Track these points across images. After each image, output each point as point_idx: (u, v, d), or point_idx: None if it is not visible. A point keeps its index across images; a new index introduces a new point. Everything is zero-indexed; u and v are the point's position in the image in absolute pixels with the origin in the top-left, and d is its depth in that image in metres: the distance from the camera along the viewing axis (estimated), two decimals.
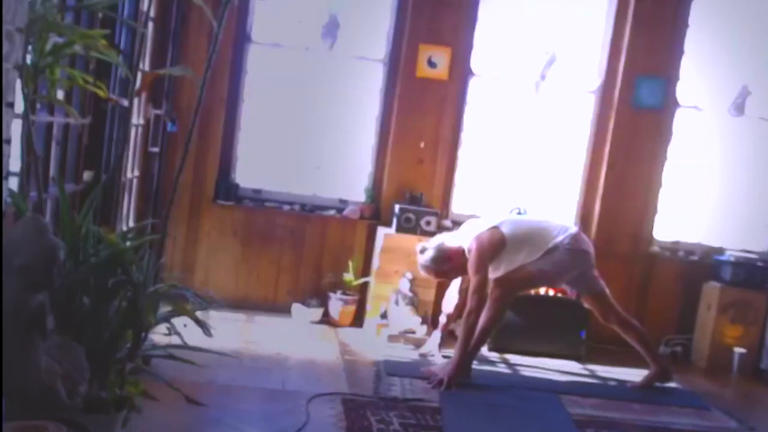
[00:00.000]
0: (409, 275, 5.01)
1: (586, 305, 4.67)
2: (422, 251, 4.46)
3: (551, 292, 5.12)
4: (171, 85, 4.99)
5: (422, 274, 4.59)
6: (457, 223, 5.56)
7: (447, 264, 4.43)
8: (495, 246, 4.34)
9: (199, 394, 3.19)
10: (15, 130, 2.50)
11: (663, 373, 4.64)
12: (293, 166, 5.54)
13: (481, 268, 4.31)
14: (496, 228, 4.38)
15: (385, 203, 5.45)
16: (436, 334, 4.78)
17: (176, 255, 5.27)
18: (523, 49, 5.60)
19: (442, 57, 5.37)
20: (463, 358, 4.27)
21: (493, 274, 4.40)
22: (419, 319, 4.97)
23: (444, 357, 4.61)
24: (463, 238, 4.44)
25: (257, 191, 5.52)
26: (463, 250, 4.40)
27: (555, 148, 5.73)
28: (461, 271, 4.48)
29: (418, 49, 5.36)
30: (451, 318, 4.73)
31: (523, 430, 3.77)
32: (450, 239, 4.50)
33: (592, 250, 4.52)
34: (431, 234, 5.13)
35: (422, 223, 5.15)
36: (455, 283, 4.71)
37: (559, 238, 4.41)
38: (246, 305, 5.31)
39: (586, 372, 4.87)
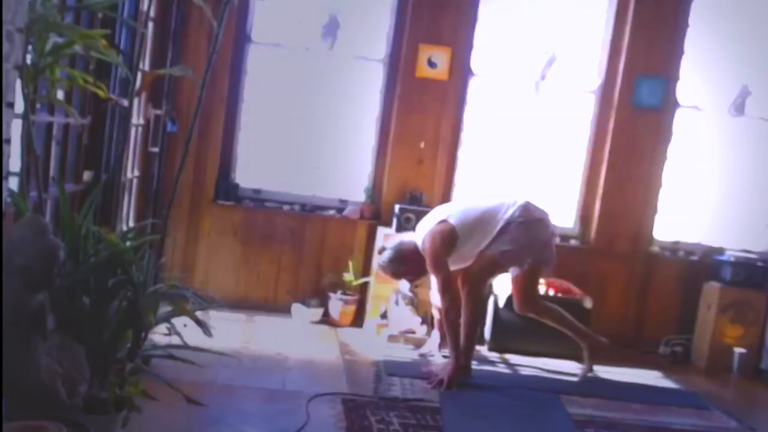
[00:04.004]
0: None
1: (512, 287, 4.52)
2: (380, 251, 4.45)
3: (551, 292, 5.11)
4: (171, 85, 4.99)
5: (381, 274, 4.57)
6: None
7: (404, 265, 4.39)
8: (446, 240, 4.27)
9: (199, 394, 3.19)
10: (15, 130, 2.50)
11: (595, 344, 4.57)
12: (293, 166, 5.54)
13: (441, 265, 4.26)
14: (444, 221, 4.32)
15: (385, 203, 5.45)
16: (436, 334, 4.78)
17: (176, 255, 5.27)
18: (523, 49, 5.60)
19: (442, 57, 5.37)
20: (459, 356, 4.27)
21: (456, 266, 4.36)
22: (419, 319, 4.97)
23: (444, 357, 4.61)
24: (418, 237, 4.40)
25: (257, 191, 5.52)
26: (418, 249, 4.35)
27: (555, 148, 5.73)
28: (419, 271, 4.43)
29: (418, 49, 5.36)
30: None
31: (523, 430, 3.77)
32: (409, 239, 4.45)
33: (546, 216, 4.43)
34: None
35: None
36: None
37: (509, 213, 4.32)
38: (246, 305, 5.31)
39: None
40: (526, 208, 4.35)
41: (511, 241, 4.28)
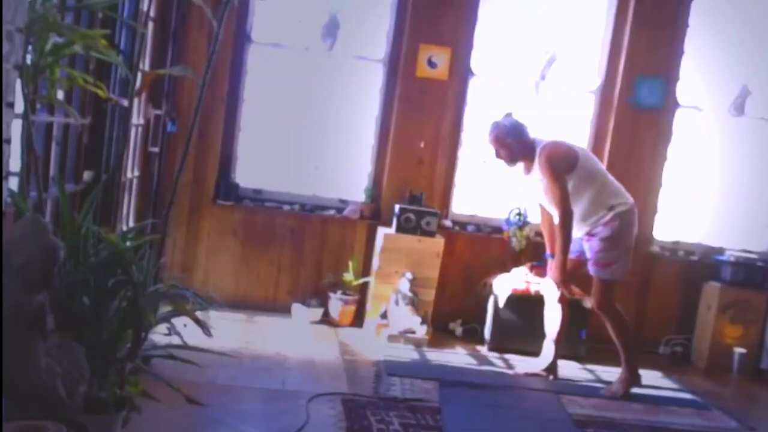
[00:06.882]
0: (409, 275, 5.01)
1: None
2: (507, 115, 4.42)
3: None
4: (171, 85, 4.99)
5: (488, 136, 4.45)
6: (457, 223, 5.59)
7: (515, 140, 4.36)
8: (567, 156, 4.31)
9: (199, 394, 3.18)
10: (15, 130, 2.50)
11: (634, 379, 4.49)
12: (293, 166, 5.54)
13: (558, 175, 4.24)
14: (571, 146, 4.38)
15: (385, 203, 5.45)
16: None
17: (176, 255, 5.27)
18: (523, 49, 5.60)
19: (442, 57, 5.37)
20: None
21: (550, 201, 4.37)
22: (419, 319, 4.97)
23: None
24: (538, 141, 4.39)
25: (257, 191, 5.52)
26: (534, 147, 4.34)
27: None
28: (517, 157, 4.41)
29: (418, 49, 5.36)
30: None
31: (523, 430, 3.77)
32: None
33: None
34: (431, 234, 5.14)
35: (422, 223, 5.15)
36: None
37: (626, 197, 4.42)
38: (246, 305, 5.31)
39: (586, 372, 4.87)
40: (635, 209, 4.45)
41: (611, 233, 4.33)
